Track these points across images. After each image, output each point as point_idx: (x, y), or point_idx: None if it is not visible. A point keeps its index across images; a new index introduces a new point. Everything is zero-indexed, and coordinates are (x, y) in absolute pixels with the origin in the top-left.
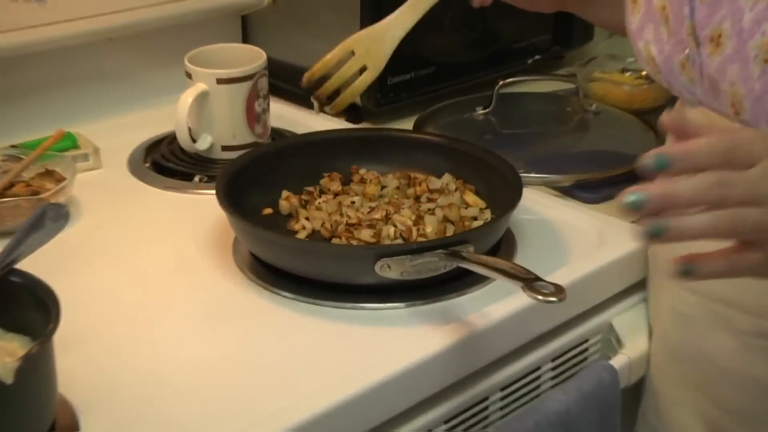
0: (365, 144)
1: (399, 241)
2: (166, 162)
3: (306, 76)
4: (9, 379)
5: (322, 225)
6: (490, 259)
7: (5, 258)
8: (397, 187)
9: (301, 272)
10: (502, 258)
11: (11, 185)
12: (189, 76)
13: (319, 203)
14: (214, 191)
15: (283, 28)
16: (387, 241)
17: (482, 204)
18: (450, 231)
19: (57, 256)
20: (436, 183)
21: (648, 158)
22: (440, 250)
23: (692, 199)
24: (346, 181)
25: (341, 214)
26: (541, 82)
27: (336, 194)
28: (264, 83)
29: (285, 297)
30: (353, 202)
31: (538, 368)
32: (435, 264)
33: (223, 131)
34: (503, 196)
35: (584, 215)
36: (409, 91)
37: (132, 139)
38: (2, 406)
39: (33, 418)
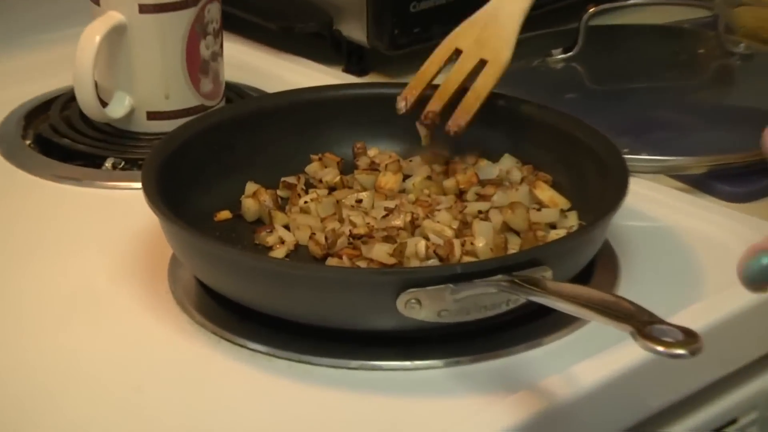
0: (374, 108)
1: (434, 261)
2: (60, 138)
3: (399, 100)
4: None
5: (311, 237)
6: (578, 290)
7: None
8: (428, 177)
9: (278, 312)
10: (597, 288)
11: None
12: (94, 0)
13: (306, 202)
14: (138, 184)
15: None
16: (415, 263)
17: (564, 203)
18: (514, 246)
19: None
20: (490, 170)
21: None
22: (500, 276)
23: None
24: (348, 168)
25: (341, 220)
26: (656, 9)
27: (332, 188)
28: (215, 12)
29: (253, 351)
30: (359, 201)
31: None
32: (491, 298)
33: (149, 89)
34: (597, 191)
35: (727, 221)
36: (441, 24)
37: (2, 100)
38: None
39: None
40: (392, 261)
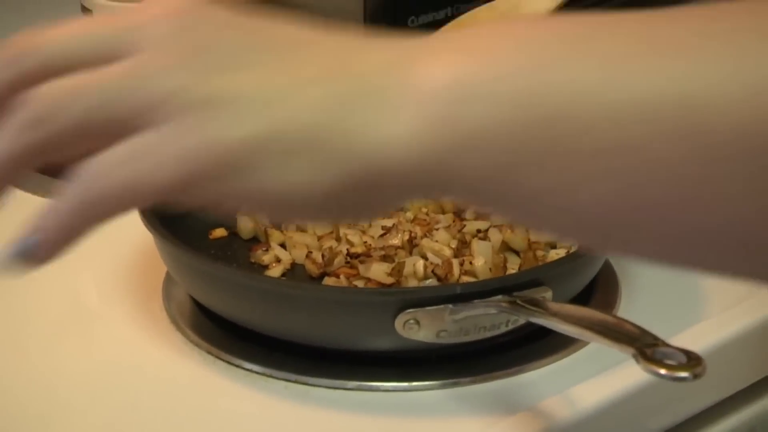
0: None
1: (432, 281)
2: None
3: None
4: None
5: (308, 255)
6: (580, 312)
7: None
8: None
9: (274, 331)
10: (597, 309)
11: None
12: (86, 10)
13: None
14: None
15: None
16: (413, 282)
17: None
18: (514, 266)
19: None
20: None
21: None
22: (499, 297)
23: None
24: None
25: (338, 239)
26: None
27: None
28: None
29: (249, 371)
30: None
31: None
32: (491, 319)
33: None
34: None
35: None
36: None
37: None
38: None
39: None
40: (390, 280)
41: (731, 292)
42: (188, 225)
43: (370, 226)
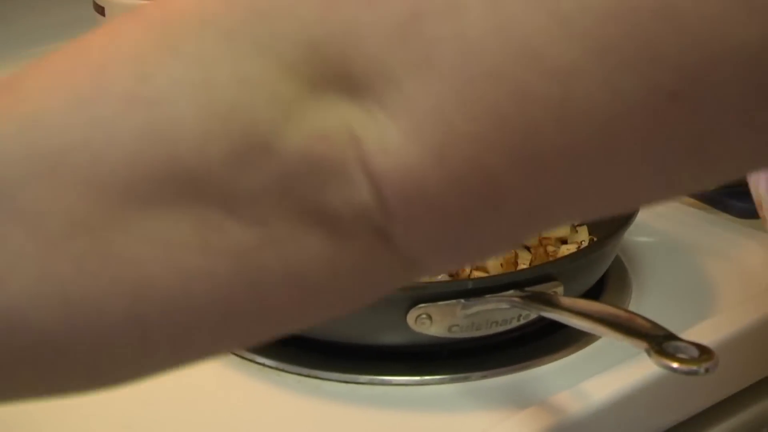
0: None
1: (444, 277)
2: None
3: None
4: None
5: None
6: (591, 306)
7: None
8: None
9: None
10: (608, 304)
11: None
12: (99, 10)
13: None
14: None
15: None
16: (425, 278)
17: None
18: (524, 261)
19: None
20: None
21: None
22: (511, 292)
23: None
24: None
25: None
26: None
27: None
28: None
29: (262, 365)
30: None
31: None
32: (502, 314)
33: None
34: None
35: (738, 236)
36: None
37: None
38: None
39: None
40: None
41: (743, 287)
42: None
43: None
